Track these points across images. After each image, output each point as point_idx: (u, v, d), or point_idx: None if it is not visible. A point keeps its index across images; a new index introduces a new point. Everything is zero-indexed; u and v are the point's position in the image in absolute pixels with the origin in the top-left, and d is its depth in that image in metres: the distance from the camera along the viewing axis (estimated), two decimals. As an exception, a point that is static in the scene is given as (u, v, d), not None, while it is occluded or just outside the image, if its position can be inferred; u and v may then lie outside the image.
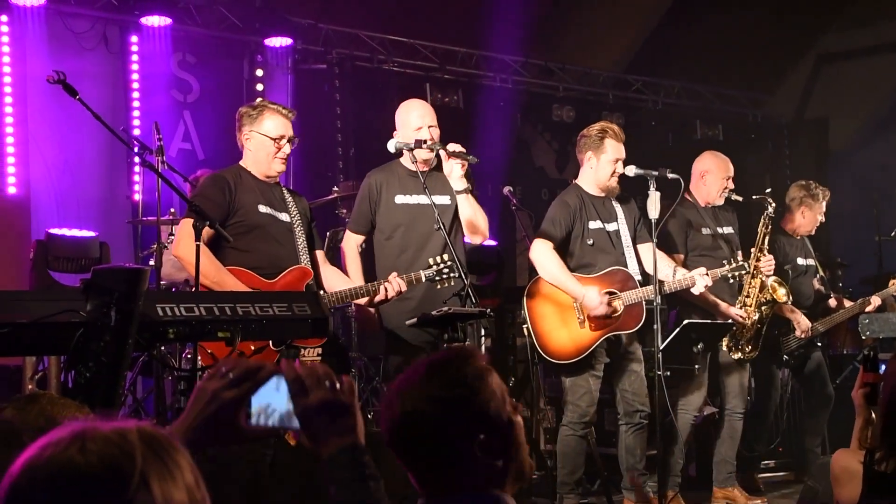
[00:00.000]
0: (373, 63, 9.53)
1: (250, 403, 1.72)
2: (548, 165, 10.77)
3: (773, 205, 6.62)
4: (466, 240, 5.52)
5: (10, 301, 3.20)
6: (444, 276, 5.01)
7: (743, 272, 6.26)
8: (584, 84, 10.96)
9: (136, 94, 8.35)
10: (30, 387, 5.40)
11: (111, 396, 3.18)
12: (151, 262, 6.10)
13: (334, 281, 5.15)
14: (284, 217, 5.04)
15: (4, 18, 7.72)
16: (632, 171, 5.97)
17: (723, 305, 6.40)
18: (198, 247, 4.38)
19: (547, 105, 10.59)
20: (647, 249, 5.99)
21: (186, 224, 4.81)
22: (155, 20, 8.24)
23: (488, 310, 4.85)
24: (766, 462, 7.61)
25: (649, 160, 6.19)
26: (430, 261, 5.03)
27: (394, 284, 4.91)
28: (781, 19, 11.47)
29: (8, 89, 7.73)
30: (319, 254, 5.20)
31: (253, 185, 5.01)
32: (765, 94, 12.35)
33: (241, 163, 5.13)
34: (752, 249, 6.55)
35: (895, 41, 11.84)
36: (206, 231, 4.71)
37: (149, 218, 6.37)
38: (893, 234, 8.20)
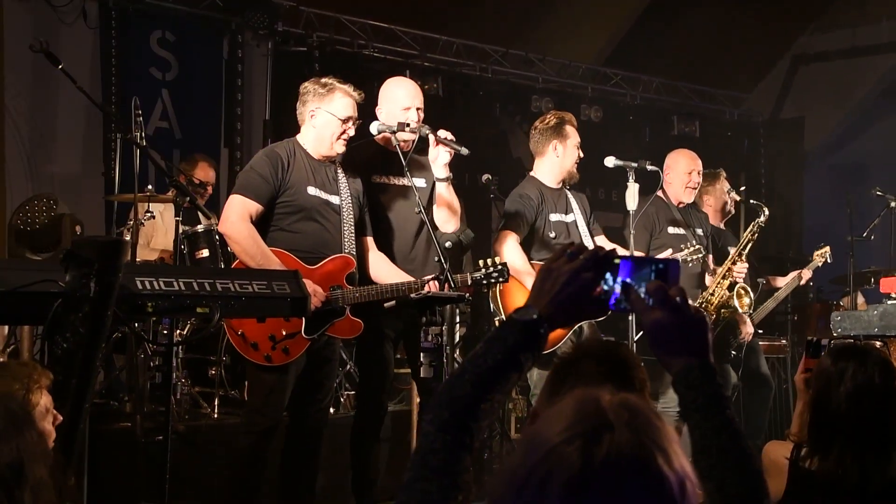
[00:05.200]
0: (353, 48, 9.49)
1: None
2: (525, 156, 10.74)
3: (767, 213, 6.68)
4: (443, 227, 5.45)
5: (-13, 270, 3.16)
6: (493, 280, 4.96)
7: (699, 255, 6.20)
8: (563, 76, 10.97)
9: (113, 71, 8.24)
10: (1, 359, 5.36)
11: (88, 368, 3.16)
12: (126, 239, 6.04)
13: (382, 270, 5.09)
14: (334, 199, 4.96)
15: (-20, -10, 7.61)
16: (611, 161, 6.00)
17: None
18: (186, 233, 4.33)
19: (526, 96, 10.58)
20: (601, 242, 5.99)
21: (234, 200, 4.79)
22: (134, -5, 8.15)
23: (467, 294, 4.83)
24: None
25: (626, 154, 6.21)
26: (480, 263, 4.96)
27: (431, 288, 4.80)
28: (759, 20, 11.56)
29: (-17, 62, 7.62)
30: (368, 240, 5.12)
31: (306, 165, 4.92)
32: (742, 93, 12.45)
33: (297, 138, 5.02)
34: (732, 250, 6.58)
35: (870, 44, 11.99)
36: (256, 209, 4.75)
37: (125, 195, 6.31)
38: (866, 233, 8.27)
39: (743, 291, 6.61)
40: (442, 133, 5.09)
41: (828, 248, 7.75)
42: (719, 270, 6.51)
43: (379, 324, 5.12)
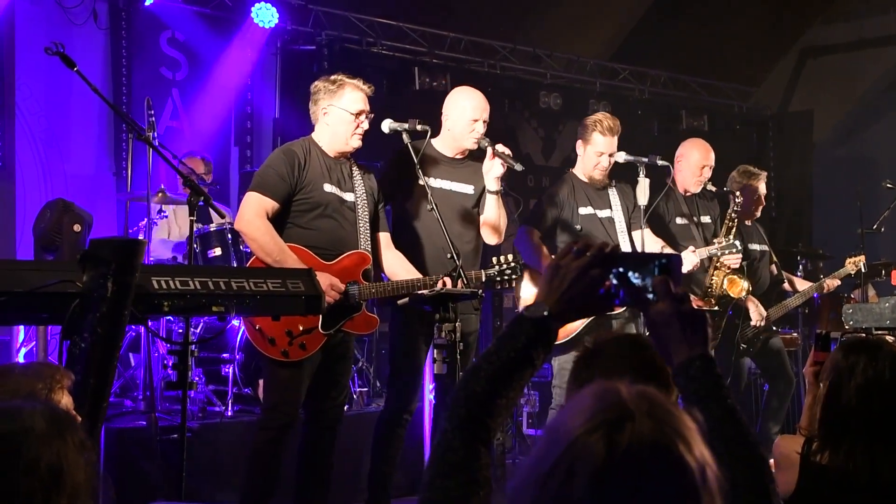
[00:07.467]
0: (361, 46, 9.51)
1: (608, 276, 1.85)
2: (534, 152, 10.80)
3: (740, 199, 6.64)
4: (486, 240, 5.46)
5: (5, 271, 3.20)
6: (507, 278, 4.99)
7: (734, 251, 6.24)
8: (571, 71, 10.98)
9: (124, 71, 8.30)
10: (18, 360, 5.41)
11: (106, 368, 3.19)
12: (140, 238, 6.09)
13: (396, 267, 5.11)
14: (349, 196, 4.98)
15: (-8, -9, 7.66)
16: (622, 157, 6.03)
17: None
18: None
19: (534, 92, 10.60)
20: (639, 237, 6.03)
21: (251, 198, 4.81)
22: (144, -4, 8.17)
23: (480, 291, 4.86)
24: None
25: (635, 149, 6.22)
26: (494, 260, 5.00)
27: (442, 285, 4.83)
28: (767, 13, 11.56)
29: (-5, 62, 7.67)
30: (384, 236, 5.14)
31: (321, 162, 4.95)
32: (750, 87, 12.44)
33: (312, 136, 5.05)
34: (737, 244, 6.56)
35: (878, 36, 11.97)
36: (272, 206, 4.78)
37: (138, 194, 6.35)
38: (876, 226, 8.24)
39: (738, 279, 6.56)
40: (500, 147, 5.16)
41: (862, 257, 7.62)
42: (712, 262, 6.48)
43: (411, 321, 5.16)
